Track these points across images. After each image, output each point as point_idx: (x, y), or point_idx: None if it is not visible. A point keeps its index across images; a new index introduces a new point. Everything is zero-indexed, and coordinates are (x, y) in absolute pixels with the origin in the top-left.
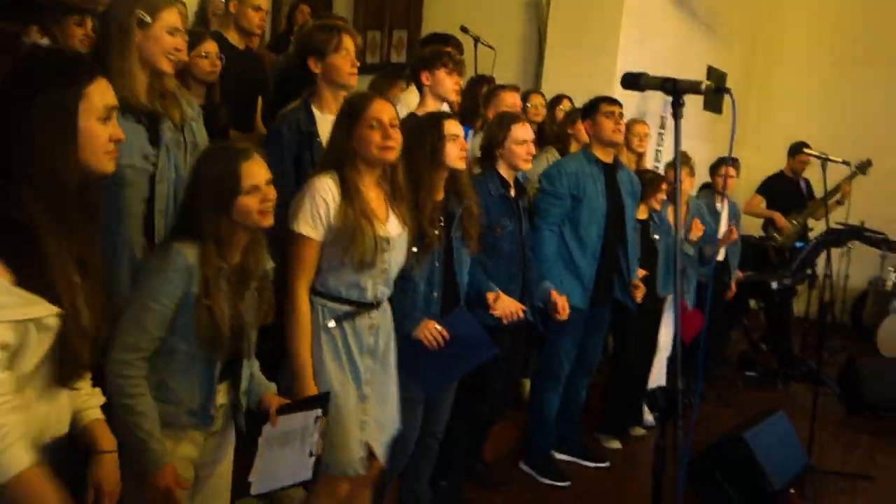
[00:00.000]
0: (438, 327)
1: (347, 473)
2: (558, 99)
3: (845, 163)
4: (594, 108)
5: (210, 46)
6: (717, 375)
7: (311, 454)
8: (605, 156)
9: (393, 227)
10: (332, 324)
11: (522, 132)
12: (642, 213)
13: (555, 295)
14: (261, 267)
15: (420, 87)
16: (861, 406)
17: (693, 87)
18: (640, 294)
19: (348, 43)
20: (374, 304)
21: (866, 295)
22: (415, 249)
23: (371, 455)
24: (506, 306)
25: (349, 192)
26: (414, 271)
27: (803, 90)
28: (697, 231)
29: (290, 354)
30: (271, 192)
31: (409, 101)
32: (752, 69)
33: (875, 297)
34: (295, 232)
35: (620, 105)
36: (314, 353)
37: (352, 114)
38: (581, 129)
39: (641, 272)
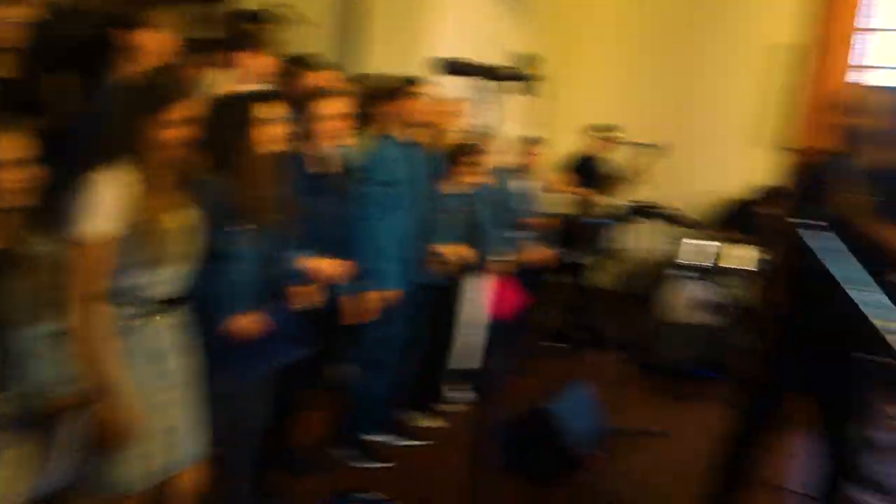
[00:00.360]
0: (257, 319)
1: (129, 492)
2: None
3: (648, 145)
4: (398, 88)
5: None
6: (524, 348)
7: None
8: (412, 136)
9: (185, 216)
10: (130, 326)
11: (330, 107)
12: (458, 187)
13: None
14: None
15: (230, 67)
16: (655, 368)
17: (510, 75)
18: (445, 266)
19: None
20: (171, 301)
21: (659, 266)
22: (245, 229)
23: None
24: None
25: (137, 185)
26: (243, 250)
27: (611, 75)
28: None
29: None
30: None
31: (222, 80)
32: (562, 54)
33: (666, 268)
34: (84, 231)
35: (426, 85)
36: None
37: (148, 106)
38: (388, 110)
39: (452, 248)
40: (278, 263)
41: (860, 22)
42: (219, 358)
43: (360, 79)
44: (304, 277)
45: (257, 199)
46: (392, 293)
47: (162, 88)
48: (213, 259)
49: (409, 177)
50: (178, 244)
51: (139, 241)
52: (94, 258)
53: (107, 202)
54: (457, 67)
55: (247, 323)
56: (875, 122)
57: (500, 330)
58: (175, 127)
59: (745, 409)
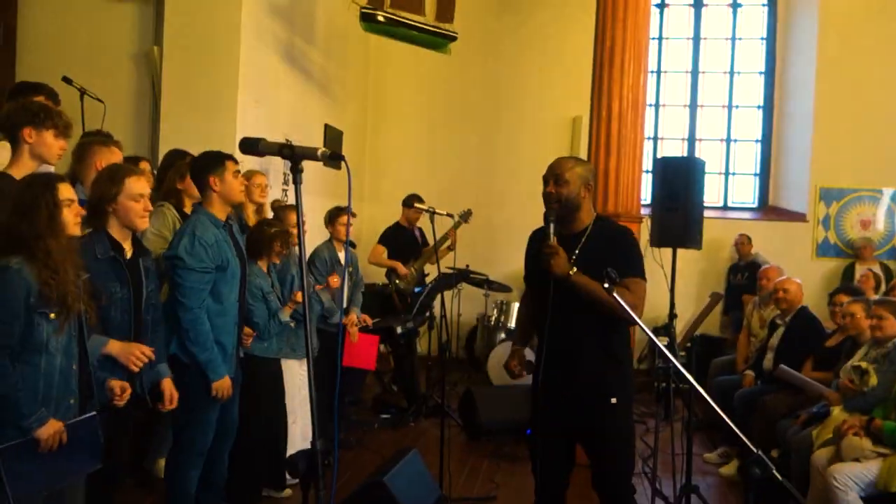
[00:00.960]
0: (63, 431)
1: None
2: (180, 155)
3: (449, 214)
4: (220, 164)
5: None
6: (355, 420)
7: None
8: (223, 214)
9: None
10: None
11: (138, 186)
12: (262, 266)
13: (167, 385)
14: None
15: (15, 143)
16: (479, 432)
17: (310, 154)
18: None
19: None
20: None
21: (476, 330)
22: (52, 316)
23: None
24: (128, 395)
25: None
26: (51, 340)
27: (411, 148)
28: (334, 283)
29: None
30: None
31: (2, 158)
32: (365, 127)
33: (483, 332)
34: None
35: (237, 161)
36: None
37: None
38: (191, 185)
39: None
40: (87, 357)
41: (649, 98)
42: (16, 463)
43: (175, 155)
44: (114, 371)
45: (63, 286)
46: (223, 382)
47: None
48: (19, 354)
49: (233, 258)
50: None
51: None
52: None
53: None
54: (249, 146)
55: (50, 434)
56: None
57: (337, 406)
58: None
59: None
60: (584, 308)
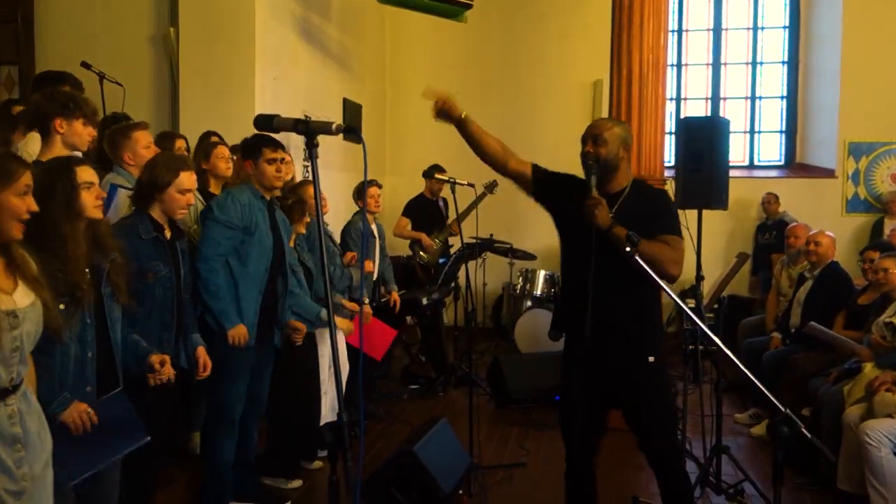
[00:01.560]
0: (89, 410)
1: None
2: (207, 136)
3: (470, 184)
4: (258, 151)
5: None
6: (385, 393)
7: None
8: (266, 193)
9: (21, 297)
10: None
11: (189, 181)
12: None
13: (201, 352)
14: None
15: (46, 134)
16: (508, 400)
17: (325, 129)
18: (299, 337)
19: None
20: (11, 389)
21: (502, 299)
22: (62, 307)
23: None
24: (170, 369)
25: None
26: (63, 331)
27: (431, 119)
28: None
29: None
30: None
31: (33, 149)
32: (384, 100)
33: (509, 300)
34: None
35: (284, 149)
36: None
37: None
38: (217, 164)
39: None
40: (111, 342)
41: (670, 58)
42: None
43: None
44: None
45: (72, 275)
46: (237, 329)
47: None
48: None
49: (266, 228)
50: (18, 327)
51: None
52: None
53: None
54: (264, 122)
55: (76, 415)
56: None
57: (361, 377)
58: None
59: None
60: (621, 265)
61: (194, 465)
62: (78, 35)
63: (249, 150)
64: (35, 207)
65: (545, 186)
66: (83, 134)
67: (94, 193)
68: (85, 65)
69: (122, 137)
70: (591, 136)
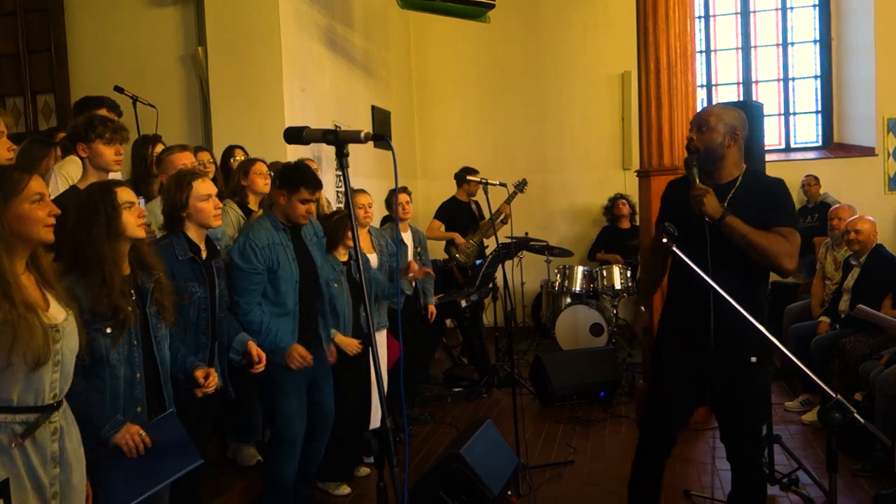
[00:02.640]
0: (142, 432)
1: None
2: (230, 150)
3: (501, 184)
4: (295, 188)
5: None
6: (428, 397)
7: None
8: (287, 221)
9: (57, 312)
10: (12, 442)
11: (205, 187)
12: (343, 256)
13: (251, 346)
14: None
15: (81, 160)
16: (552, 398)
17: (353, 138)
18: (352, 348)
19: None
20: (55, 406)
21: (541, 297)
22: (109, 330)
23: None
24: (214, 381)
25: (4, 280)
26: (111, 353)
27: (460, 121)
28: (414, 270)
29: None
30: None
31: (70, 171)
32: (412, 105)
33: (548, 298)
34: None
35: (320, 188)
36: None
37: (7, 189)
38: (255, 181)
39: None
40: (157, 362)
41: (699, 44)
42: (110, 473)
43: (228, 151)
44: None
45: (114, 299)
46: (292, 350)
47: (6, 173)
48: (83, 370)
49: (289, 261)
50: (59, 341)
51: (13, 340)
52: None
53: None
54: (294, 135)
55: (129, 437)
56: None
57: (402, 382)
58: (35, 205)
59: (644, 421)
60: (733, 257)
61: (246, 476)
62: (110, 60)
63: (288, 183)
64: (58, 211)
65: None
66: (105, 153)
67: (135, 213)
68: (118, 89)
69: (160, 163)
70: (697, 123)
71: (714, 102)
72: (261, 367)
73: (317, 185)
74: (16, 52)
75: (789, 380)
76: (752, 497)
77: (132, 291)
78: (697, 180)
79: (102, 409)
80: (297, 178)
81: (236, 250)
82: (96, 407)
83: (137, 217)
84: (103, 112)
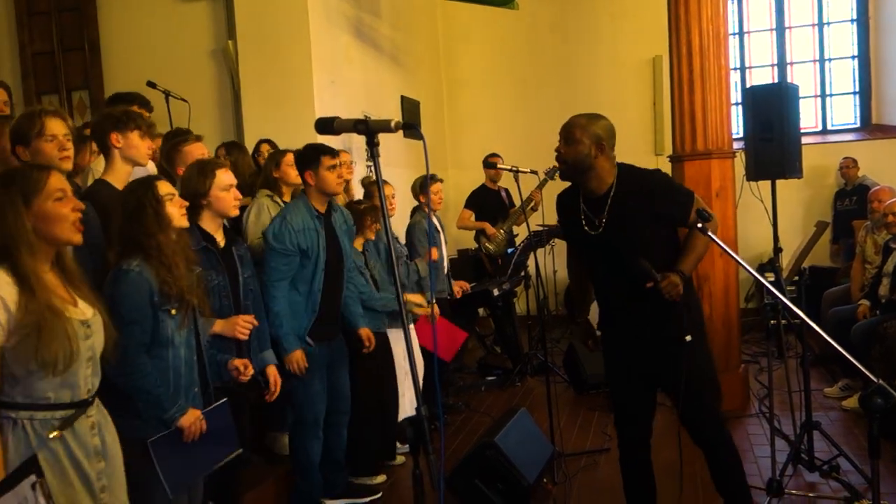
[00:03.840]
0: (201, 418)
1: None
2: (258, 144)
3: (532, 171)
4: (316, 160)
5: None
6: (462, 385)
7: None
8: (322, 204)
9: (84, 309)
10: (52, 435)
11: (227, 177)
12: (359, 245)
13: (272, 372)
14: None
15: (106, 151)
16: (586, 386)
17: (384, 127)
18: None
19: (54, 126)
20: (90, 401)
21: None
22: (174, 312)
23: None
24: (251, 370)
25: (28, 282)
26: (176, 335)
27: (489, 109)
28: (434, 256)
29: None
30: None
31: (100, 167)
32: (441, 94)
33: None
34: None
35: (339, 154)
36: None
37: (28, 189)
38: (287, 172)
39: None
40: (209, 347)
41: (731, 26)
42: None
43: (256, 146)
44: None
45: (179, 280)
46: (292, 355)
47: (27, 178)
48: (148, 350)
49: (320, 247)
50: (90, 336)
51: (39, 340)
52: None
53: None
54: (325, 125)
55: (191, 422)
56: None
57: (434, 369)
58: (58, 202)
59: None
60: (622, 264)
61: (284, 464)
62: (142, 56)
63: (307, 161)
64: (82, 206)
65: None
66: (140, 146)
67: (177, 203)
68: (151, 84)
69: (174, 153)
70: (563, 136)
71: (749, 85)
72: (276, 395)
73: (333, 150)
74: (51, 51)
75: (828, 365)
76: (731, 479)
77: (194, 274)
78: (655, 274)
79: (166, 391)
80: (313, 151)
81: (271, 231)
82: (164, 388)
83: (179, 207)
84: (134, 108)
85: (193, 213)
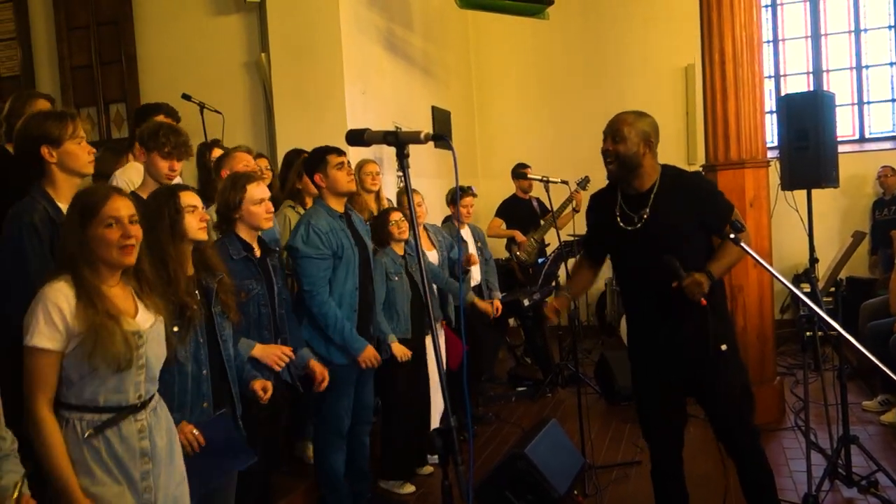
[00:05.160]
0: (195, 431)
1: None
2: (297, 154)
3: (563, 181)
4: (322, 161)
5: None
6: (492, 396)
7: None
8: (339, 205)
9: (143, 320)
10: (89, 433)
11: (259, 191)
12: (400, 250)
13: (314, 364)
14: None
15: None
16: (618, 397)
17: (414, 138)
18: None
19: (82, 130)
20: (140, 406)
21: (605, 295)
22: (175, 329)
23: None
24: (269, 392)
25: (87, 294)
26: (178, 350)
27: (520, 119)
28: (475, 262)
29: (48, 478)
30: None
31: (131, 177)
32: (472, 105)
33: (613, 295)
34: (28, 346)
35: (345, 153)
36: (80, 469)
37: (84, 212)
38: (309, 183)
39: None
40: (224, 359)
41: (765, 34)
42: None
43: (292, 155)
44: (261, 370)
45: (179, 297)
46: (366, 352)
47: (87, 199)
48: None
49: (350, 246)
50: (142, 346)
51: (94, 347)
52: (35, 372)
53: (46, 316)
54: (355, 137)
55: (182, 436)
56: None
57: (463, 380)
58: (108, 229)
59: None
60: (659, 267)
61: (311, 474)
62: (177, 69)
63: (314, 164)
64: (132, 234)
65: (596, 242)
66: (160, 167)
67: (197, 216)
68: (185, 96)
69: (219, 165)
70: (610, 133)
71: (783, 93)
72: (324, 386)
73: (338, 149)
74: (89, 64)
75: (867, 379)
76: (763, 494)
77: (197, 292)
78: (682, 272)
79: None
80: (317, 153)
81: (299, 239)
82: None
83: (200, 220)
84: (161, 118)
85: (229, 224)
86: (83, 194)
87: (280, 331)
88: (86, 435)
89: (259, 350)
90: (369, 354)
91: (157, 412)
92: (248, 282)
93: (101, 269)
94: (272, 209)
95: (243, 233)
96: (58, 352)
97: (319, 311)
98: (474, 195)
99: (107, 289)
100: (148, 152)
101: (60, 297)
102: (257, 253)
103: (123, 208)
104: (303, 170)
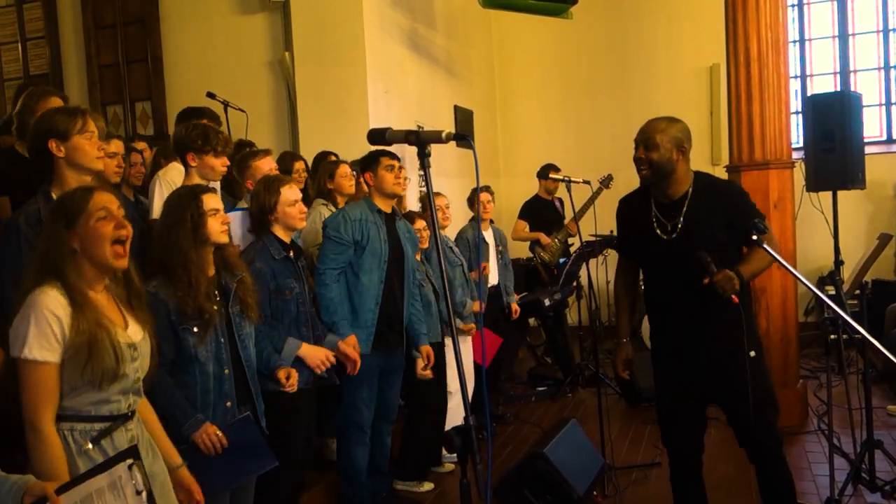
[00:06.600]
0: (218, 433)
1: None
2: (324, 156)
3: (586, 181)
4: (375, 161)
5: None
6: (512, 395)
7: (137, 492)
8: (385, 206)
9: (134, 332)
10: (89, 446)
11: (292, 193)
12: (417, 255)
13: (342, 345)
14: None
15: (185, 164)
16: (639, 398)
17: (435, 138)
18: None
19: (93, 125)
20: (129, 415)
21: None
22: (195, 329)
23: None
24: (295, 381)
25: (77, 302)
26: (198, 350)
27: (543, 118)
28: (487, 272)
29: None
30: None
31: (173, 178)
32: (494, 104)
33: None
34: (27, 359)
35: (399, 159)
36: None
37: (70, 211)
38: (342, 183)
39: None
40: (243, 359)
41: (791, 34)
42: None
43: (324, 157)
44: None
45: (198, 299)
46: (347, 341)
47: (71, 199)
48: (173, 367)
49: (380, 240)
50: (137, 359)
51: (88, 359)
52: (39, 386)
53: (44, 326)
54: (377, 136)
55: (206, 437)
56: None
57: (482, 379)
58: (101, 221)
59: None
60: (693, 273)
61: (333, 471)
62: (202, 68)
63: (368, 162)
64: (125, 226)
65: (629, 248)
66: (216, 166)
67: (219, 219)
68: (210, 95)
69: (243, 167)
70: (643, 141)
71: (810, 93)
72: (356, 370)
73: (393, 153)
74: (116, 63)
75: (892, 383)
76: (783, 500)
77: (217, 292)
78: (713, 267)
79: (185, 406)
80: (373, 154)
81: (330, 219)
82: (180, 404)
83: (221, 223)
84: (204, 122)
85: (266, 226)
86: (63, 197)
87: (315, 328)
88: (88, 446)
89: (305, 350)
90: (349, 343)
91: (141, 424)
92: (290, 280)
93: (88, 273)
94: (305, 209)
95: (280, 233)
96: (58, 363)
97: (319, 290)
98: (490, 192)
99: (93, 295)
100: (199, 155)
101: (57, 305)
102: (292, 253)
103: (111, 201)
104: (335, 170)
